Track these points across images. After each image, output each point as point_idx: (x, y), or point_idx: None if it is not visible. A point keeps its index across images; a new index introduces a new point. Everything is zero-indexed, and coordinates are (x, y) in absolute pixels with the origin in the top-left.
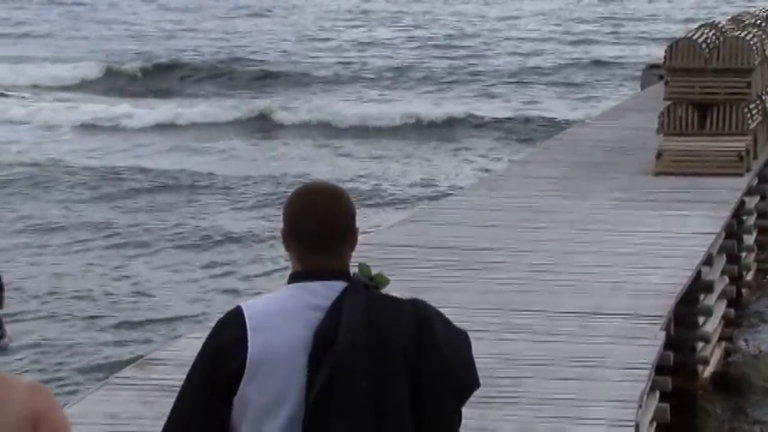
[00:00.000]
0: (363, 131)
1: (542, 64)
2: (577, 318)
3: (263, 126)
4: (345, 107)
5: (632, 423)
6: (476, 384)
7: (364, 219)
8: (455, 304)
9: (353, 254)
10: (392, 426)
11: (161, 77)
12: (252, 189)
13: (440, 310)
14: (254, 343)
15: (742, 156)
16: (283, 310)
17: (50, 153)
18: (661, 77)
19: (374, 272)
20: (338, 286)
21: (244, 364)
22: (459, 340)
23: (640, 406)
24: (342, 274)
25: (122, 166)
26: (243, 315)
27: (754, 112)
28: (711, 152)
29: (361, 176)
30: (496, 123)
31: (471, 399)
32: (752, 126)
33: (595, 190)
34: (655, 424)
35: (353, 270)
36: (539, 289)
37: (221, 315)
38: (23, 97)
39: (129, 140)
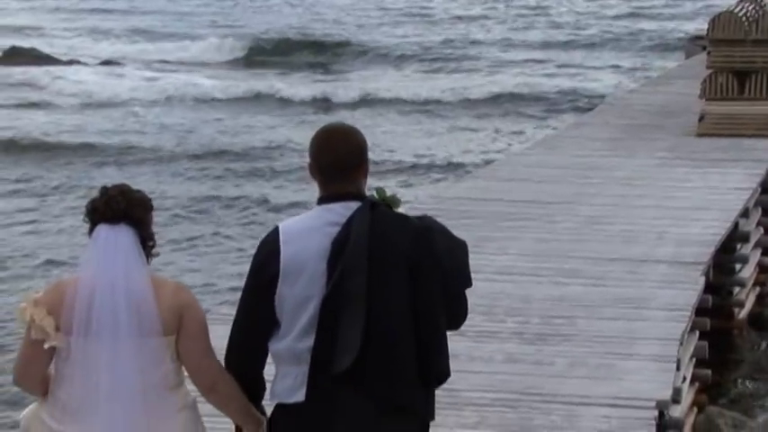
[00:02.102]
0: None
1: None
2: (626, 264)
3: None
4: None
5: (674, 359)
6: (466, 284)
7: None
8: (515, 251)
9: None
10: (390, 311)
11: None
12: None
13: (501, 256)
14: (285, 254)
15: None
16: (309, 227)
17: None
18: (704, 48)
19: (388, 193)
20: (353, 206)
21: (278, 271)
22: (457, 247)
23: (681, 343)
24: (356, 196)
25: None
26: (278, 233)
27: None
28: (749, 115)
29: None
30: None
31: (529, 335)
32: None
33: (643, 149)
34: (694, 360)
35: (370, 192)
36: (591, 238)
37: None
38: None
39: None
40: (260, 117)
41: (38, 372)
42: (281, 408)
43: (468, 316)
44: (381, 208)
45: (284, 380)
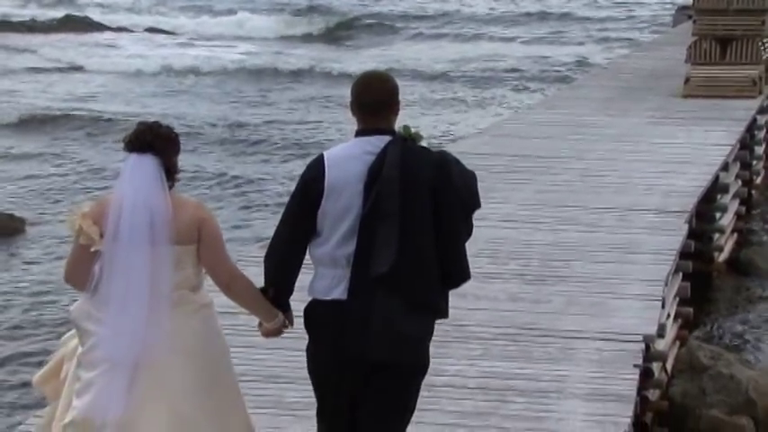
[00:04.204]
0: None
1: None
2: (617, 213)
3: None
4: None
5: (659, 298)
6: (477, 205)
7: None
8: (517, 201)
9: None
10: (418, 227)
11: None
12: None
13: (505, 204)
14: (330, 175)
15: (755, 81)
16: (349, 155)
17: None
18: (689, 17)
19: (413, 130)
20: (386, 139)
21: (323, 189)
22: (469, 176)
23: (666, 284)
24: (388, 131)
25: None
26: (323, 158)
27: (766, 45)
28: (730, 78)
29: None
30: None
31: (529, 277)
32: (764, 57)
33: (633, 109)
34: (677, 299)
35: (399, 128)
36: (586, 190)
37: (311, 159)
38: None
39: None
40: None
41: (83, 271)
42: (317, 302)
43: (475, 259)
44: (409, 142)
45: (322, 280)
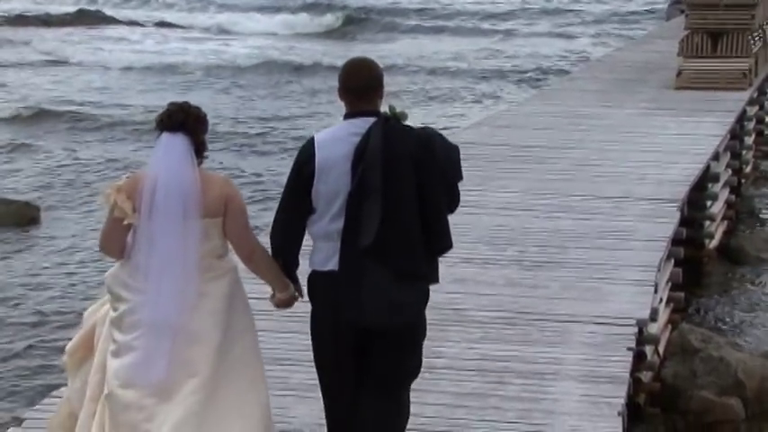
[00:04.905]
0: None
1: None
2: (611, 201)
3: None
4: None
5: (652, 283)
6: (459, 177)
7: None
8: (516, 189)
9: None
10: (401, 200)
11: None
12: None
13: (503, 193)
14: (320, 157)
15: (745, 74)
16: (337, 137)
17: None
18: (682, 11)
19: (398, 110)
20: (371, 121)
21: (314, 170)
22: (451, 150)
23: (659, 270)
24: (373, 113)
25: None
26: (314, 141)
27: (756, 39)
28: (721, 71)
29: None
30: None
31: (527, 263)
32: (754, 50)
33: (627, 101)
34: (670, 284)
35: (385, 108)
36: (581, 178)
37: (304, 142)
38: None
39: None
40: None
41: (117, 242)
42: (316, 273)
43: (474, 246)
44: (392, 121)
45: (319, 253)
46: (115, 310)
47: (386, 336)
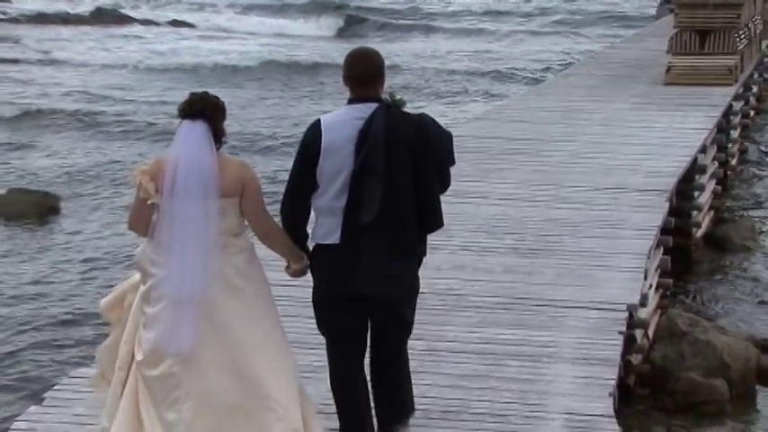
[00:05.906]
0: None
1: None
2: (605, 192)
3: None
4: None
5: (642, 270)
6: (451, 162)
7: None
8: (514, 180)
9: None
10: (399, 181)
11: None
12: None
13: (501, 184)
14: (325, 138)
15: (731, 70)
16: (342, 120)
17: None
18: (671, 10)
19: (397, 97)
20: (373, 106)
21: (320, 149)
22: (445, 136)
23: (649, 257)
24: (375, 99)
25: None
26: (320, 122)
27: (742, 36)
28: (708, 67)
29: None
30: None
31: (524, 250)
32: (740, 47)
33: (620, 96)
34: (659, 271)
35: (385, 95)
36: (576, 170)
37: (310, 123)
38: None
39: None
40: None
41: (143, 220)
42: (319, 246)
43: (473, 234)
44: (393, 108)
45: (322, 227)
46: (144, 284)
47: (381, 301)
